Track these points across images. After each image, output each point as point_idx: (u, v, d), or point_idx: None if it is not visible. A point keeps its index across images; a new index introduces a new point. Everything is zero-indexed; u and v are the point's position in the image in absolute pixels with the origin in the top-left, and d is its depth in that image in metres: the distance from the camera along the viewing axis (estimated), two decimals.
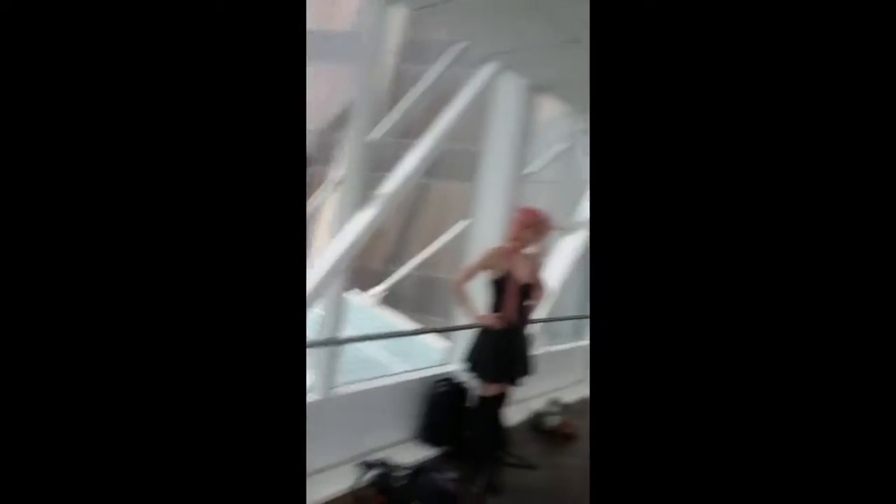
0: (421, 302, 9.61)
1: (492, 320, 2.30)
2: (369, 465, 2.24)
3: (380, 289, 4.35)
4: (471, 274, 2.40)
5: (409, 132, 2.84)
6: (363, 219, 2.19)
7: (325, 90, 12.04)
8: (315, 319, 2.18)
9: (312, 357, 2.17)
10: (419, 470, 2.24)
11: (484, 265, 2.39)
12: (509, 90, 3.07)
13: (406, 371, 2.81)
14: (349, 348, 2.34)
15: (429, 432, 2.66)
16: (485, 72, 2.86)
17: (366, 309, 3.07)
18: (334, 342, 2.20)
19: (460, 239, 3.75)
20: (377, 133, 2.31)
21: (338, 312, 2.22)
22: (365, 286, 4.02)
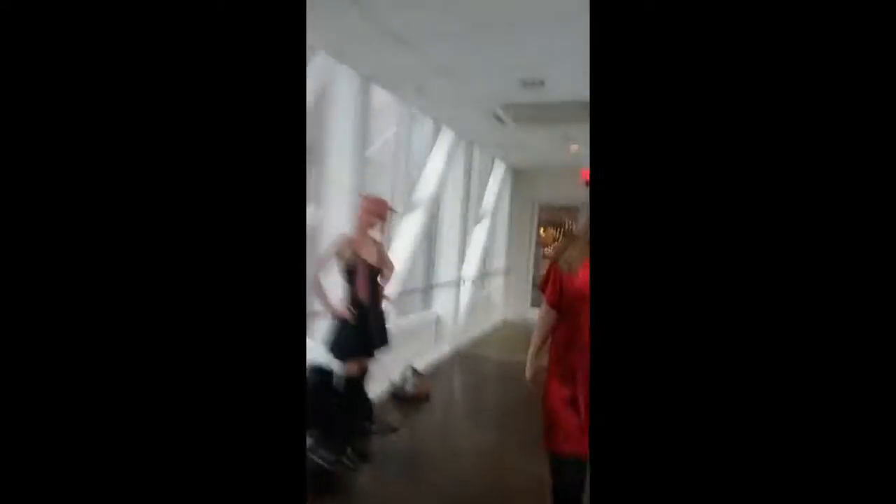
0: None
1: (346, 314, 2.48)
2: None
3: None
4: (322, 264, 2.52)
5: None
6: None
7: None
8: None
9: None
10: None
11: (333, 254, 2.52)
12: (344, 80, 3.16)
13: None
14: None
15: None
16: (318, 63, 2.90)
17: None
18: None
19: (309, 226, 3.75)
20: None
21: None
22: None
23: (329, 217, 3.19)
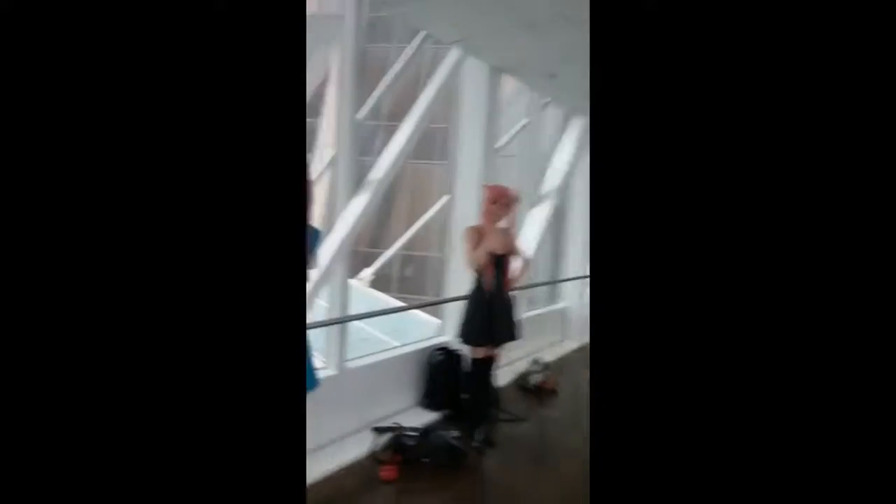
0: (408, 281, 9.76)
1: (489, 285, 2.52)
2: (382, 430, 2.44)
3: (369, 271, 4.46)
4: (482, 253, 2.57)
5: (381, 115, 2.94)
6: (359, 203, 2.33)
7: None
8: (320, 306, 2.32)
9: (323, 336, 2.32)
10: (427, 430, 2.46)
11: (475, 243, 2.59)
12: (474, 72, 3.22)
13: (406, 345, 3.01)
14: (350, 330, 2.50)
15: (431, 398, 2.89)
16: (452, 56, 3.00)
17: (359, 291, 3.21)
18: (339, 321, 2.35)
19: (441, 217, 3.91)
20: (360, 115, 2.44)
21: (344, 295, 2.37)
22: (353, 269, 4.12)
23: (459, 208, 3.30)
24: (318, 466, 2.15)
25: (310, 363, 1.72)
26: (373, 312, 3.08)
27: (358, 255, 2.80)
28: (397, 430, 2.43)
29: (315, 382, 1.72)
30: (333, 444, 2.33)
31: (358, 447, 2.35)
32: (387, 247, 4.86)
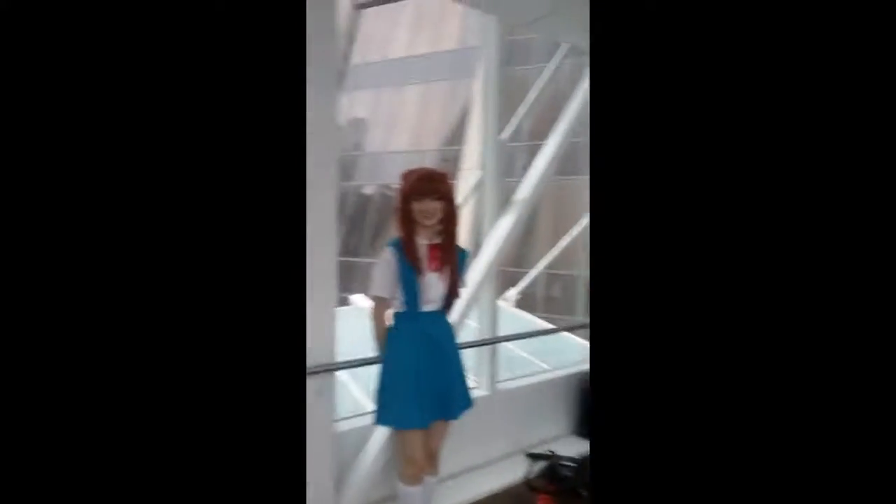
0: (554, 301, 9.62)
1: None
2: (537, 457, 2.36)
3: (514, 291, 4.46)
4: None
5: (522, 135, 2.93)
6: (506, 224, 2.33)
7: (439, 107, 12.66)
8: (470, 326, 2.35)
9: (475, 357, 2.35)
10: (585, 461, 2.31)
11: None
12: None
13: (560, 368, 2.90)
14: (497, 350, 2.49)
15: (587, 426, 2.72)
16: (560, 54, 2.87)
17: (505, 311, 3.21)
18: (490, 342, 2.36)
19: (586, 233, 3.74)
20: (504, 137, 2.46)
21: (493, 316, 2.37)
22: (498, 290, 4.16)
23: None
24: (471, 489, 2.15)
25: (465, 382, 1.74)
26: (524, 334, 3.03)
27: (502, 275, 2.80)
28: (552, 459, 2.33)
29: (469, 402, 1.74)
30: (485, 467, 2.32)
31: (511, 472, 2.29)
32: (531, 266, 4.80)
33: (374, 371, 1.74)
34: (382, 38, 14.03)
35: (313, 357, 1.67)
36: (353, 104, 13.78)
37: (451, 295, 1.66)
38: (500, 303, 2.79)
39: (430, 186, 1.58)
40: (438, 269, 1.61)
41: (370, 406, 2.30)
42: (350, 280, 6.66)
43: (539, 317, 4.33)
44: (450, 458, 1.92)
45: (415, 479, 1.64)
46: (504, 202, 2.42)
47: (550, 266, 4.79)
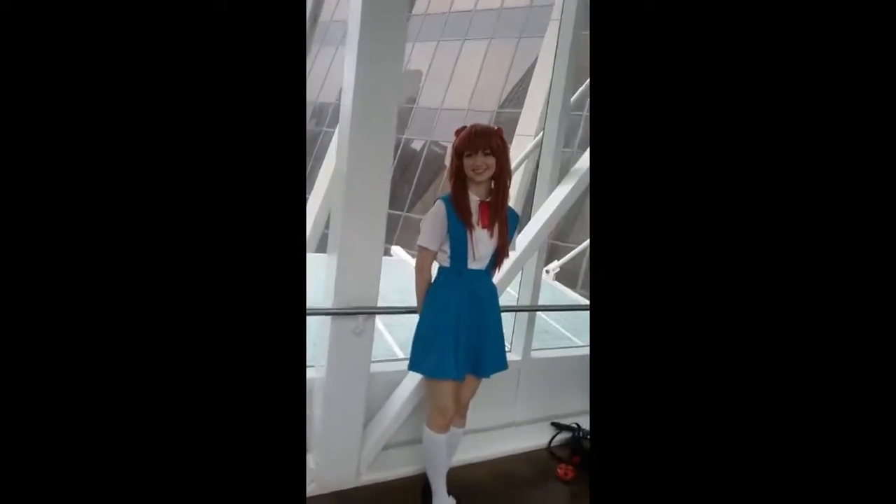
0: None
1: None
2: (562, 427, 2.39)
3: (556, 264, 4.42)
4: None
5: (584, 106, 2.80)
6: (561, 194, 2.28)
7: (501, 66, 12.31)
8: (509, 294, 2.35)
9: (512, 323, 2.36)
10: None
11: None
12: None
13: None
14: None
15: None
16: None
17: (545, 283, 3.19)
18: (527, 309, 2.35)
19: None
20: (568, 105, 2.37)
21: (536, 287, 2.36)
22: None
23: None
24: (495, 446, 2.21)
25: (502, 344, 1.76)
26: (562, 307, 3.01)
27: (548, 247, 2.78)
28: (577, 431, 2.35)
29: (504, 365, 1.76)
30: (512, 427, 2.37)
31: (535, 438, 2.34)
32: (576, 242, 4.70)
33: (408, 321, 1.77)
34: None
35: (357, 299, 1.72)
36: (412, 55, 13.53)
37: (500, 255, 1.65)
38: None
39: (482, 141, 1.55)
40: (488, 227, 1.59)
41: (401, 354, 2.39)
42: (391, 231, 6.70)
43: (579, 293, 4.29)
44: (478, 415, 1.97)
45: (442, 428, 1.69)
46: (561, 172, 2.36)
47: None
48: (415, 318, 1.71)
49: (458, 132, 1.61)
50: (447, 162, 1.62)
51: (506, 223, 1.63)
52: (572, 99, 2.44)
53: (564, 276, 4.48)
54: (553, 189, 2.32)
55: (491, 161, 1.55)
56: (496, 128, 1.62)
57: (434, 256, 1.64)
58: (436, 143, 12.76)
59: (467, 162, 1.55)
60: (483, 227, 1.59)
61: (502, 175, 1.59)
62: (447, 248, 1.61)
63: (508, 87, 11.93)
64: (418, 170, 13.04)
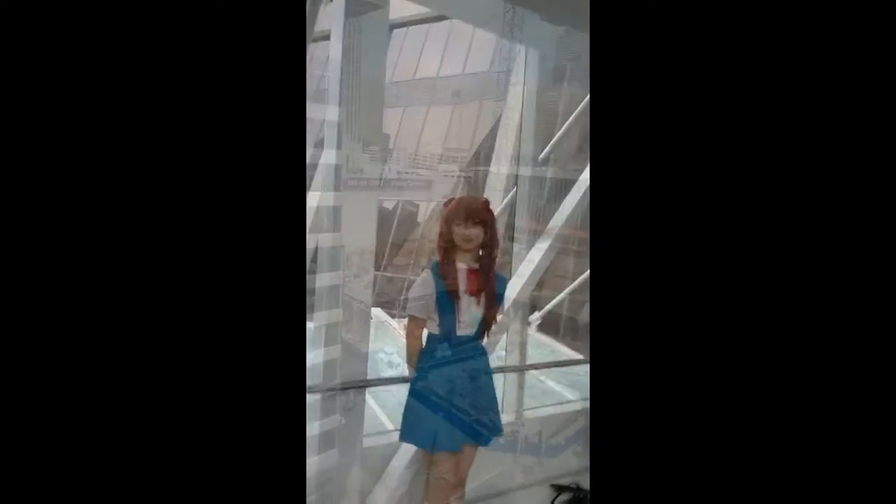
0: (577, 327, 9.45)
1: None
2: (562, 488, 2.32)
3: (537, 316, 4.41)
4: None
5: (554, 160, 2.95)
6: (540, 252, 2.34)
7: (468, 128, 12.80)
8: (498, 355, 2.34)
9: (501, 383, 2.33)
10: None
11: None
12: None
13: (585, 399, 2.86)
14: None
15: None
16: None
17: (532, 339, 3.19)
18: (516, 369, 2.34)
19: None
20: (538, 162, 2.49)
21: (523, 343, 2.36)
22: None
23: None
24: None
25: (496, 409, 1.74)
26: (553, 363, 3.00)
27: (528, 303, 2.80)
28: (577, 491, 2.28)
29: (499, 429, 1.73)
30: (509, 494, 2.28)
31: (534, 502, 2.26)
32: (554, 288, 4.73)
33: (394, 391, 1.74)
34: (411, 58, 14.29)
35: (345, 374, 1.68)
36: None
37: (488, 320, 1.67)
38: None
39: (471, 213, 1.62)
40: (476, 294, 1.62)
41: (390, 425, 2.31)
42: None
43: (565, 342, 4.27)
44: (474, 484, 1.90)
45: (443, 502, 1.63)
46: (533, 229, 2.43)
47: (573, 292, 4.73)
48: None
49: (447, 203, 1.69)
50: (420, 219, 1.70)
51: (494, 291, 1.67)
52: (540, 157, 2.57)
53: (545, 325, 4.48)
54: (528, 246, 2.38)
55: (480, 231, 1.62)
56: (484, 199, 1.72)
57: (424, 325, 1.66)
58: (408, 202, 12.97)
59: (457, 231, 1.62)
60: (470, 294, 1.62)
61: (491, 245, 1.65)
62: (436, 315, 1.63)
63: (473, 147, 12.38)
64: (392, 228, 13.13)
